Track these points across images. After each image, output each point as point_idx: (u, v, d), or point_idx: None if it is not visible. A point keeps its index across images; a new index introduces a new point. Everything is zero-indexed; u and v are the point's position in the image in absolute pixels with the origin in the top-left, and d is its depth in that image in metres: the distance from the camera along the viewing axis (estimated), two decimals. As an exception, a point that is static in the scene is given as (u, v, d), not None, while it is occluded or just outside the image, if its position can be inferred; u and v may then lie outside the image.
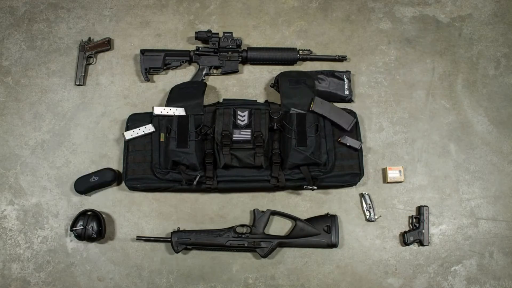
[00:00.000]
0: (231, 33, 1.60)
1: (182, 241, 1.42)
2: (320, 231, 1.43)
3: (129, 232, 1.48)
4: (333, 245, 1.43)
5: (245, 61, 1.62)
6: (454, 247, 1.49)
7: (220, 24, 1.68)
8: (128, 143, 1.49)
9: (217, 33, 1.60)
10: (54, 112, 1.58)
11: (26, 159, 1.54)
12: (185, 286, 1.45)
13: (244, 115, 1.47)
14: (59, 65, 1.63)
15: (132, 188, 1.47)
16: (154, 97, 1.60)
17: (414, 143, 1.58)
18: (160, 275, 1.46)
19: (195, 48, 1.61)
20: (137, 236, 1.45)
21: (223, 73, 1.61)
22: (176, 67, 1.61)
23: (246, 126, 1.46)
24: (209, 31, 1.60)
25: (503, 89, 1.63)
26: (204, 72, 1.59)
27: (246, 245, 1.41)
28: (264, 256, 1.41)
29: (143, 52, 1.59)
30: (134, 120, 1.52)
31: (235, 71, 1.61)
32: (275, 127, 1.46)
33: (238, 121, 1.46)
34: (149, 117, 1.51)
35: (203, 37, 1.60)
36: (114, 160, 1.53)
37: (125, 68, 1.63)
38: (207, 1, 1.71)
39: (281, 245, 1.44)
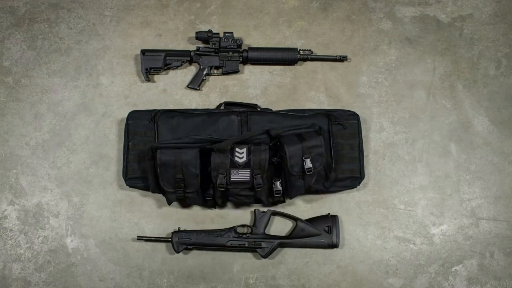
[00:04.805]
0: (231, 33, 1.60)
1: (183, 241, 1.42)
2: (321, 232, 1.43)
3: (129, 232, 1.48)
4: (334, 246, 1.43)
5: (246, 61, 1.61)
6: (455, 247, 1.49)
7: (220, 24, 1.68)
8: (128, 142, 1.49)
9: (218, 33, 1.60)
10: (54, 112, 1.58)
11: (26, 159, 1.54)
12: (186, 286, 1.45)
13: (243, 152, 1.35)
14: (60, 65, 1.63)
15: (133, 186, 1.47)
16: (154, 97, 1.60)
17: (415, 143, 1.58)
18: (160, 275, 1.46)
19: (195, 48, 1.61)
20: (137, 236, 1.45)
21: (224, 73, 1.61)
22: (177, 67, 1.61)
23: (245, 165, 1.35)
24: (210, 31, 1.60)
25: (504, 89, 1.63)
26: (204, 72, 1.59)
27: (246, 245, 1.41)
28: (265, 257, 1.41)
29: (143, 52, 1.59)
30: (135, 118, 1.52)
31: (236, 71, 1.61)
32: (275, 162, 1.38)
33: (236, 158, 1.35)
34: (149, 114, 1.51)
35: (204, 37, 1.60)
36: (114, 160, 1.54)
37: (125, 68, 1.63)
38: (208, 1, 1.71)
39: (282, 245, 1.44)
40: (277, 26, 1.69)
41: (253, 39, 1.67)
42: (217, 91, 1.61)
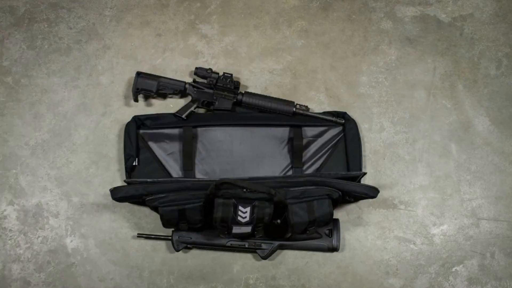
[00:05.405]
0: (231, 75, 1.55)
1: (183, 239, 1.42)
2: (321, 235, 1.43)
3: (129, 233, 1.48)
4: (334, 249, 1.42)
5: (239, 104, 1.55)
6: (455, 247, 1.49)
7: (220, 24, 1.68)
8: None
9: (218, 73, 1.55)
10: (54, 112, 1.58)
11: (26, 159, 1.54)
12: (186, 287, 1.45)
13: (246, 212, 1.28)
14: (60, 65, 1.63)
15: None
16: (154, 98, 1.60)
17: (415, 143, 1.58)
18: (160, 276, 1.45)
19: (192, 80, 1.57)
20: (137, 233, 1.45)
21: (215, 109, 1.54)
22: (168, 94, 1.57)
23: (247, 224, 1.30)
24: (210, 69, 1.55)
25: (505, 89, 1.63)
26: (195, 105, 1.53)
27: (246, 246, 1.41)
28: (265, 258, 1.41)
29: (139, 73, 1.55)
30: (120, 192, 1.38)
31: (227, 109, 1.54)
32: (277, 224, 1.35)
33: (239, 218, 1.28)
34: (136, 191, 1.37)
35: (203, 74, 1.55)
36: (114, 160, 1.53)
37: (125, 68, 1.63)
38: (208, 1, 1.70)
39: (282, 247, 1.44)
40: (277, 26, 1.69)
41: (253, 39, 1.67)
42: (217, 91, 1.61)
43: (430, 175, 1.55)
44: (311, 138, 1.53)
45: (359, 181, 1.41)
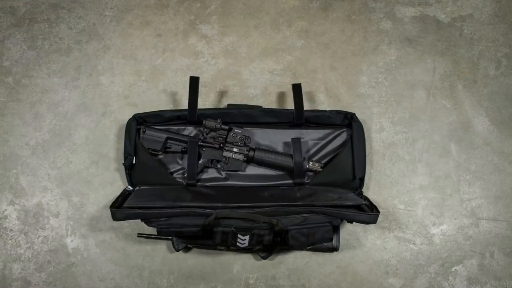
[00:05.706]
0: (242, 128, 1.47)
1: (183, 239, 1.42)
2: None
3: (130, 233, 1.48)
4: (334, 249, 1.42)
5: (251, 161, 1.48)
6: (455, 247, 1.49)
7: (220, 24, 1.68)
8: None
9: (227, 127, 1.45)
10: (54, 112, 1.58)
11: (26, 159, 1.54)
12: (186, 286, 1.45)
13: (245, 239, 1.30)
14: (60, 65, 1.63)
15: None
16: (155, 98, 1.60)
17: (415, 143, 1.58)
18: (160, 275, 1.46)
19: (200, 136, 1.48)
20: (138, 233, 1.45)
21: (224, 170, 1.49)
22: (177, 152, 1.48)
23: (246, 248, 1.33)
24: (219, 121, 1.44)
25: (504, 89, 1.63)
26: (203, 165, 1.47)
27: (247, 246, 1.42)
28: (265, 258, 1.41)
29: (144, 130, 1.46)
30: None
31: (237, 171, 1.49)
32: (278, 240, 1.37)
33: (238, 244, 1.31)
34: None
35: (211, 126, 1.45)
36: (114, 160, 1.54)
37: (125, 68, 1.63)
38: (208, 1, 1.71)
39: (282, 247, 1.44)
40: (277, 26, 1.69)
41: (253, 39, 1.67)
42: (216, 91, 1.61)
43: (430, 175, 1.55)
44: (315, 141, 1.52)
45: (360, 182, 1.45)
